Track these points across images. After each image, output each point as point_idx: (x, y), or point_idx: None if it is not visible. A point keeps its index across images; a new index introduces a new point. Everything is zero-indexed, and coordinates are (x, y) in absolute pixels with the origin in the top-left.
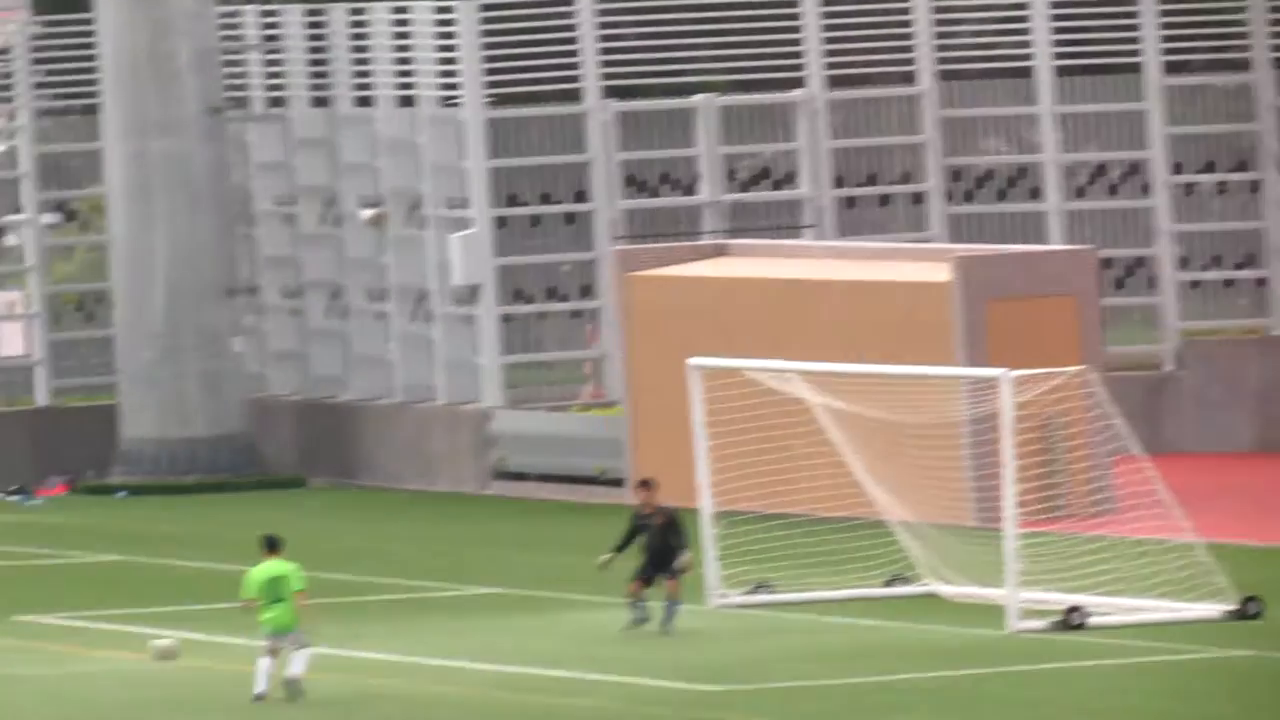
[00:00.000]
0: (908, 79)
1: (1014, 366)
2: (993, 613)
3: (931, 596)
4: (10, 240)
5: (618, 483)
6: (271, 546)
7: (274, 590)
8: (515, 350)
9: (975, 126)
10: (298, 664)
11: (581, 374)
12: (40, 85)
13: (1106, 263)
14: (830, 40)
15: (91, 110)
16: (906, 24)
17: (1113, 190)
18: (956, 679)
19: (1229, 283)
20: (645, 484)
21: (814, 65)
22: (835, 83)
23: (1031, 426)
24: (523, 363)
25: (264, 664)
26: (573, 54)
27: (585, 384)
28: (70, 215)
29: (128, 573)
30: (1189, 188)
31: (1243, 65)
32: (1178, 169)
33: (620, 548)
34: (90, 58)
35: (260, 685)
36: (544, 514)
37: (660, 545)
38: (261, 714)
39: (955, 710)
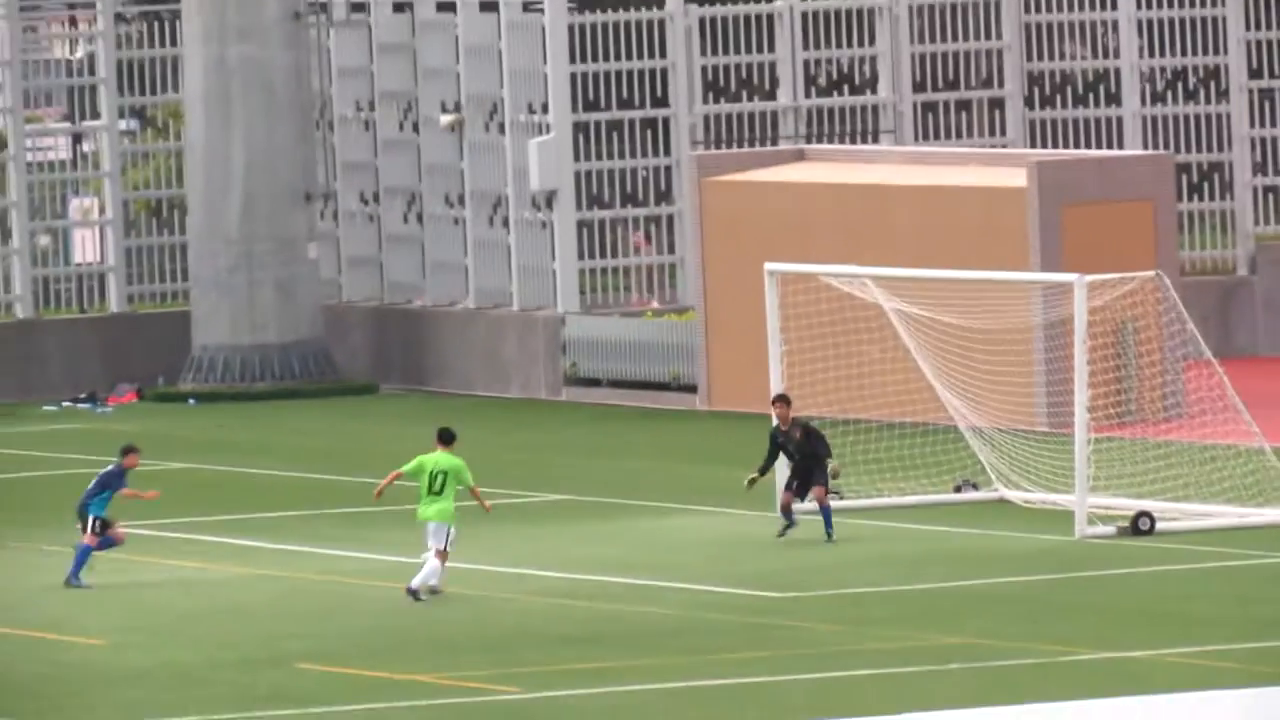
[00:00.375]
0: None
1: (1088, 271)
2: (1061, 518)
3: (1001, 502)
4: (87, 146)
5: (691, 388)
6: (444, 439)
7: (434, 482)
8: (592, 255)
9: (1054, 31)
10: (426, 575)
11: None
12: None
13: (1182, 168)
14: None
15: (172, 15)
16: None
17: (1190, 95)
18: (1025, 584)
19: None
20: (781, 399)
21: None
22: None
23: (1104, 331)
24: (600, 268)
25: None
26: None
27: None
28: (148, 121)
29: (197, 481)
30: (1266, 93)
31: None
32: (1255, 74)
33: (764, 468)
34: None
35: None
36: (617, 420)
37: (804, 456)
38: (322, 621)
39: (1024, 616)
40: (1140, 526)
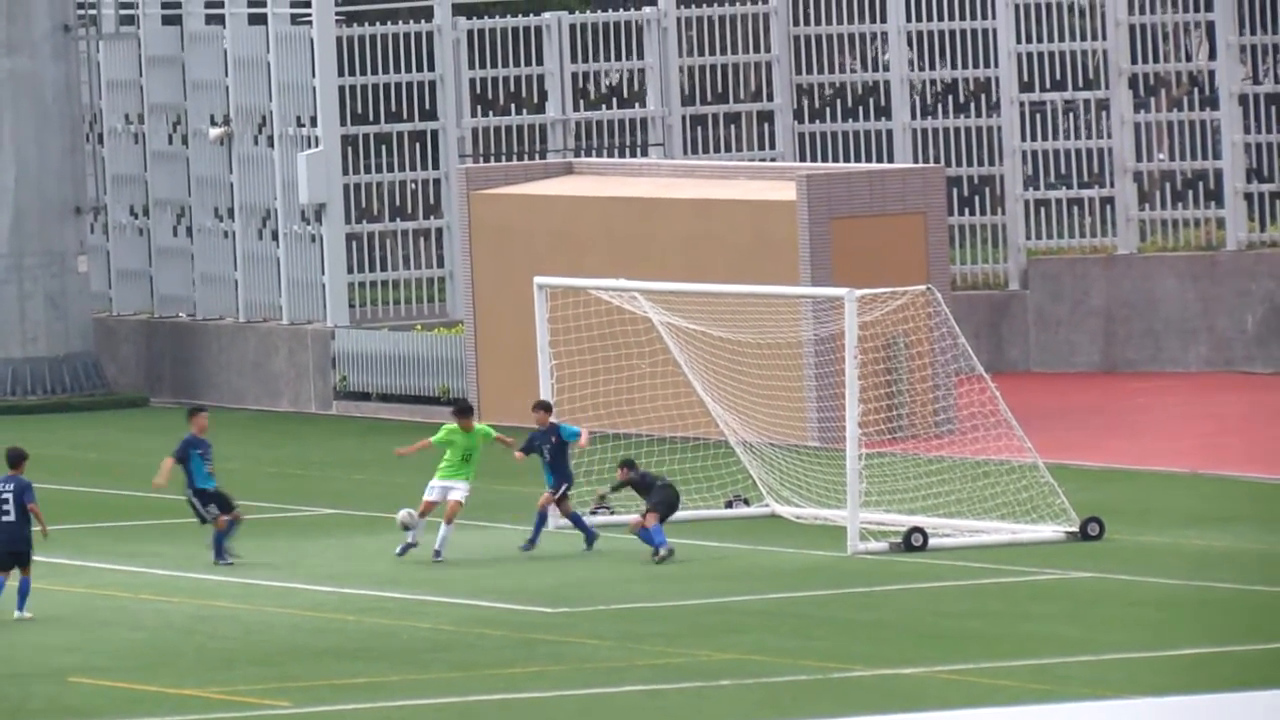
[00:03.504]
0: None
1: (859, 285)
2: (834, 534)
3: (772, 517)
4: None
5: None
6: (465, 412)
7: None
8: (360, 269)
9: (824, 44)
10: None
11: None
12: None
13: (953, 181)
14: None
15: None
16: None
17: (960, 108)
18: (795, 600)
19: (1075, 202)
20: (542, 405)
21: None
22: (684, 0)
23: (875, 346)
24: (368, 281)
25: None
26: None
27: None
28: None
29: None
30: (1037, 106)
31: None
32: (1026, 87)
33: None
34: None
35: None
36: (387, 433)
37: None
38: (93, 635)
39: (793, 632)
40: (913, 542)
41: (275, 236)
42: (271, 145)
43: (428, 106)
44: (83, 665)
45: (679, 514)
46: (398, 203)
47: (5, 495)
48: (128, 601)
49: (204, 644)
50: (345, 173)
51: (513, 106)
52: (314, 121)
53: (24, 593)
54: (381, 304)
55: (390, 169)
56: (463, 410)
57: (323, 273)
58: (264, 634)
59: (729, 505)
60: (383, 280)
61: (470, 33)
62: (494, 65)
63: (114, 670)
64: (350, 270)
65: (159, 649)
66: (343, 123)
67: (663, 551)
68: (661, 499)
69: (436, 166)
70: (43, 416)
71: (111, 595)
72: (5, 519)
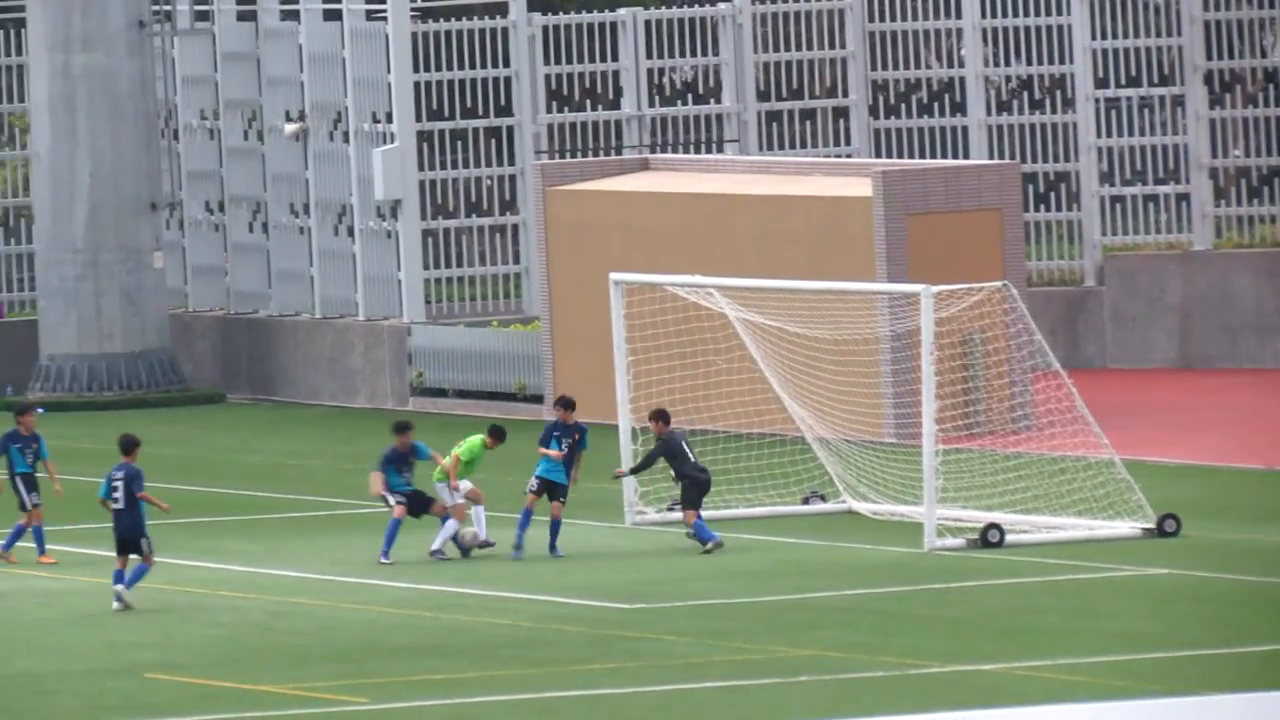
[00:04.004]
0: None
1: (935, 281)
2: (910, 530)
3: (849, 514)
4: None
5: (538, 398)
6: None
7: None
8: (437, 265)
9: (900, 40)
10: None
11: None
12: None
13: (1029, 178)
14: None
15: (16, 24)
16: None
17: (1036, 104)
18: (872, 597)
19: (1150, 198)
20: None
21: None
22: None
23: (952, 343)
24: (445, 277)
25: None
26: None
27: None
28: None
29: (46, 489)
30: (1112, 102)
31: None
32: (1101, 83)
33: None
34: None
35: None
36: (463, 429)
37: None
38: (169, 631)
39: (871, 628)
40: (989, 539)
41: (351, 232)
42: (347, 141)
43: (503, 102)
44: (160, 661)
45: (755, 510)
46: (473, 199)
47: (116, 483)
48: (205, 598)
49: (281, 640)
50: (421, 169)
51: (588, 102)
52: (389, 117)
53: (137, 574)
54: (457, 300)
55: (466, 165)
56: (496, 433)
57: (399, 269)
58: (341, 630)
59: (806, 501)
60: (458, 276)
61: (545, 28)
62: (569, 61)
63: (191, 666)
64: (426, 266)
65: (236, 645)
66: (418, 119)
67: (710, 545)
68: (691, 495)
69: (512, 162)
70: (119, 413)
71: (189, 591)
72: (116, 506)
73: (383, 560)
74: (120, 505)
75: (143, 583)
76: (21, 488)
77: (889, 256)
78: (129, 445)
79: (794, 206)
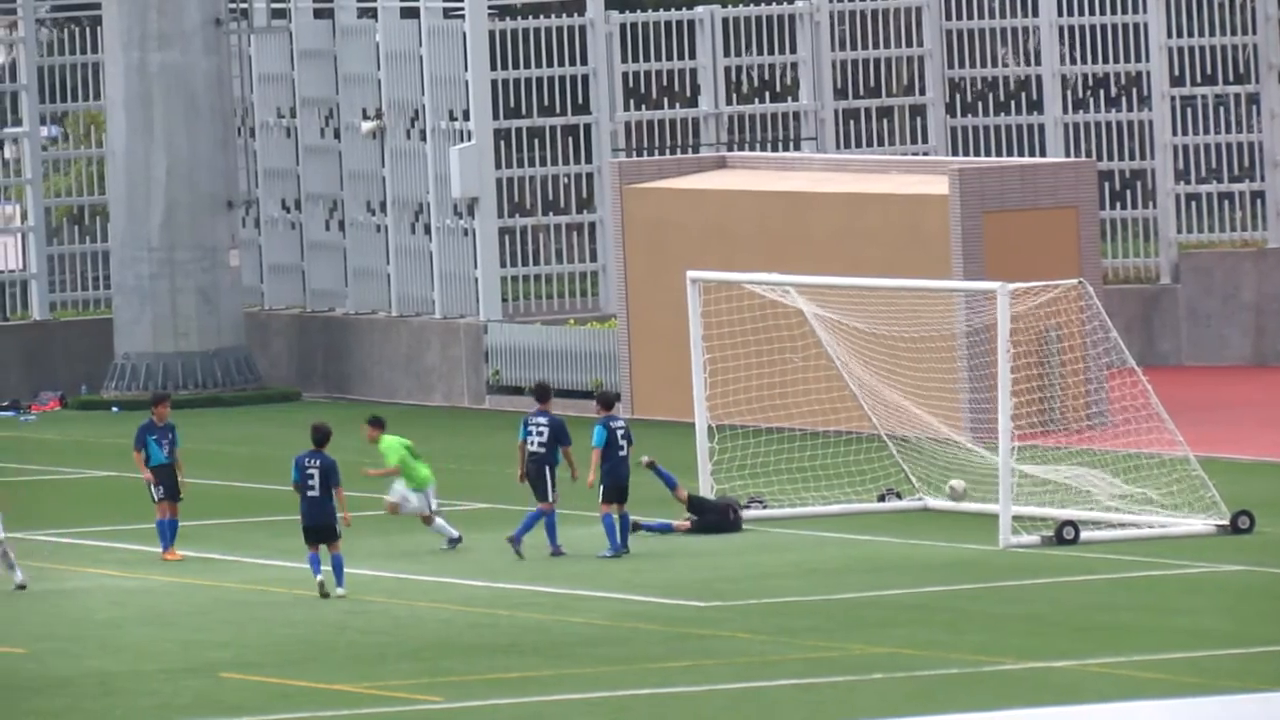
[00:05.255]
0: None
1: (1011, 279)
2: (986, 527)
3: (924, 511)
4: (8, 153)
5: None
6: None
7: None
8: (514, 263)
9: (976, 38)
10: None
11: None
12: None
13: (1104, 175)
14: None
15: (92, 22)
16: None
17: (1112, 102)
18: (947, 594)
19: (1226, 196)
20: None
21: None
22: None
23: (1027, 339)
24: (521, 275)
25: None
26: None
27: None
28: (69, 128)
29: (119, 489)
30: (1188, 100)
31: None
32: (1176, 81)
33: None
34: None
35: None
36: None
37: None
38: (244, 630)
39: (945, 626)
40: (1064, 536)
41: (428, 230)
42: (424, 139)
43: (580, 100)
44: (234, 661)
45: (830, 508)
46: (550, 197)
47: (311, 471)
48: (280, 596)
49: (355, 639)
50: (498, 167)
51: (665, 100)
52: (466, 115)
53: (338, 568)
54: (534, 298)
55: (543, 163)
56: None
57: (475, 267)
58: (416, 629)
59: (881, 499)
60: (535, 274)
61: (623, 26)
62: (646, 59)
63: (265, 666)
64: (503, 264)
65: (310, 644)
66: (495, 116)
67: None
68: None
69: (589, 160)
70: (195, 411)
71: (263, 590)
72: (310, 494)
73: (515, 548)
74: (316, 494)
75: (216, 582)
76: (160, 482)
77: (965, 254)
78: (324, 436)
79: (871, 204)
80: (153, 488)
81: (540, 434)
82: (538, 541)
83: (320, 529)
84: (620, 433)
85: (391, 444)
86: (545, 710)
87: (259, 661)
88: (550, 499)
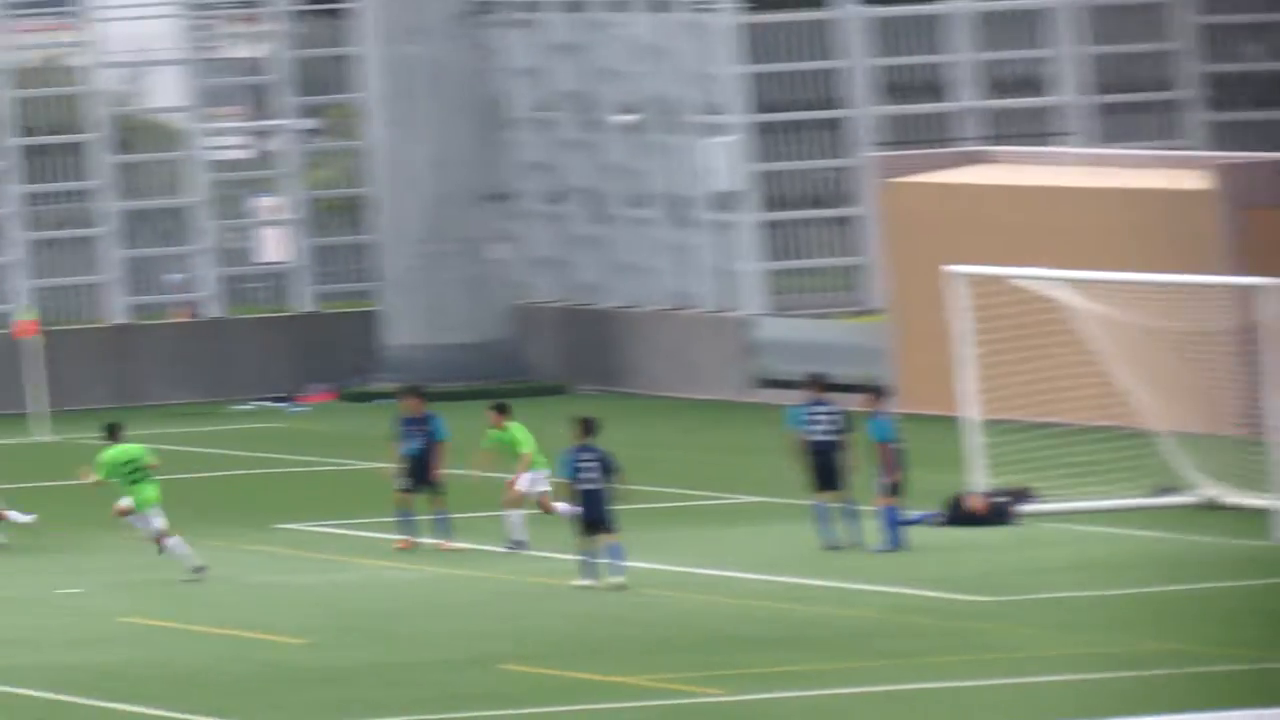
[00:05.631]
0: None
1: (1276, 274)
2: (1261, 522)
3: (1200, 506)
4: (269, 145)
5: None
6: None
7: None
8: (777, 257)
9: (1233, 33)
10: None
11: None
12: None
13: None
14: None
15: (349, 15)
16: None
17: None
18: (1226, 590)
19: None
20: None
21: None
22: None
23: None
24: (784, 270)
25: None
26: None
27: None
28: (329, 120)
29: (389, 480)
30: None
31: None
32: None
33: None
34: None
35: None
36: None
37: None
38: (524, 622)
39: (1225, 621)
40: None
41: (691, 224)
42: (682, 133)
43: (838, 94)
44: (514, 653)
45: (1106, 503)
46: (811, 191)
47: (587, 463)
48: (558, 588)
49: (635, 632)
50: (757, 160)
51: (921, 95)
52: (724, 109)
53: (616, 557)
54: (799, 291)
55: (802, 157)
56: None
57: (739, 261)
58: (695, 621)
59: (1157, 494)
60: (799, 268)
61: (876, 20)
62: (902, 53)
63: (546, 658)
64: (766, 258)
65: (590, 637)
66: (753, 110)
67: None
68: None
69: (848, 154)
70: (462, 403)
71: (543, 582)
72: (587, 486)
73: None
74: (594, 486)
75: (494, 574)
76: (409, 472)
77: (1229, 250)
78: (593, 427)
79: (1133, 200)
80: (399, 477)
81: (834, 423)
82: (793, 535)
83: (599, 520)
84: (891, 428)
85: (515, 433)
86: (825, 704)
87: (539, 654)
88: (844, 488)
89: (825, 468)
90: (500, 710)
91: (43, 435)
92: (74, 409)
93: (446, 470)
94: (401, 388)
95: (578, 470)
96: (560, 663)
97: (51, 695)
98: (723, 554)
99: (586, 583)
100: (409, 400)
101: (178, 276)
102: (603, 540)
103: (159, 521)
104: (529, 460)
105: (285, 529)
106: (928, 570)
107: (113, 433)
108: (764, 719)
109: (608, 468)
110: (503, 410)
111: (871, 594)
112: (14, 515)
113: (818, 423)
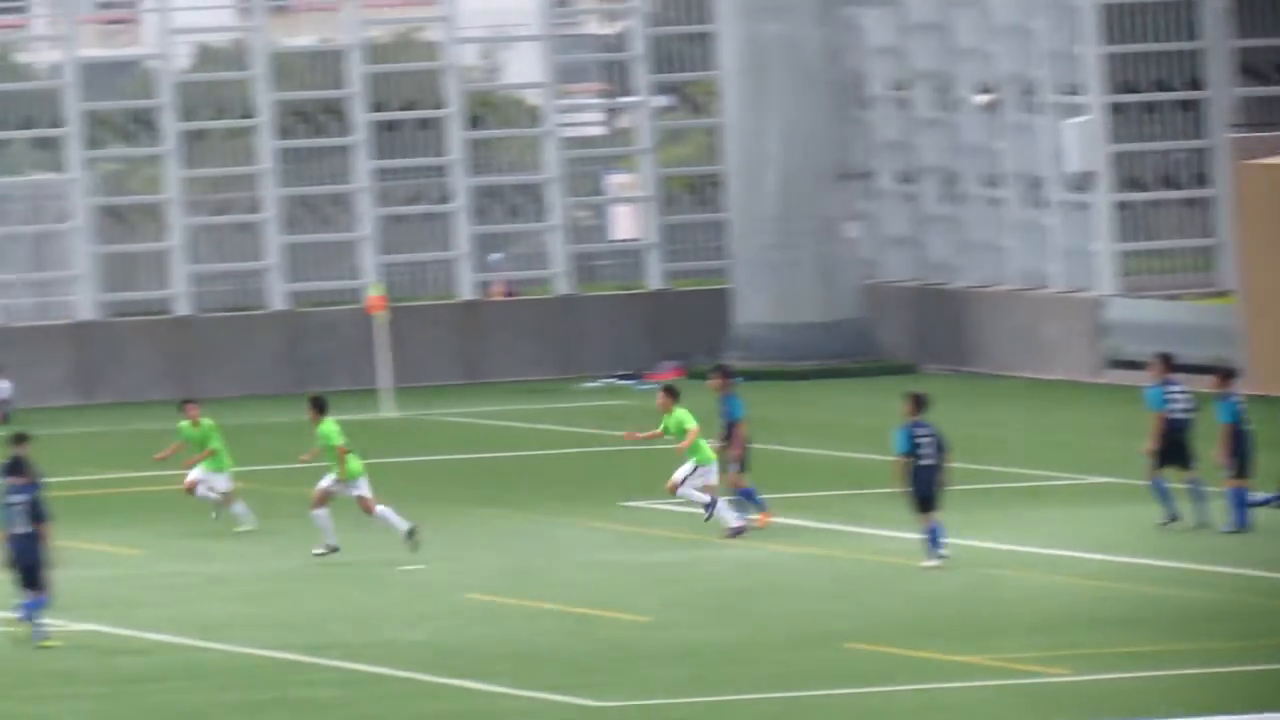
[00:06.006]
0: None
1: None
2: None
3: None
4: (623, 122)
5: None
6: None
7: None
8: (1129, 238)
9: None
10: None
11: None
12: None
13: None
14: None
15: None
16: None
17: None
18: None
19: None
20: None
21: None
22: None
23: None
24: (1137, 250)
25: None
26: None
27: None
28: (684, 98)
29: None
30: None
31: None
32: None
33: None
34: None
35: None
36: None
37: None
38: (869, 601)
39: None
40: None
41: (1044, 204)
42: (1039, 112)
43: (1194, 75)
44: (858, 631)
45: None
46: (1166, 172)
47: (925, 439)
48: (901, 568)
49: (977, 611)
50: (1112, 141)
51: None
52: (1081, 89)
53: (938, 535)
54: (1150, 272)
55: (1157, 138)
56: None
57: (1092, 241)
58: (1040, 601)
59: None
60: (1151, 249)
61: (1238, 1)
62: (1261, 35)
63: (888, 637)
64: (1119, 239)
65: (933, 616)
66: (1109, 90)
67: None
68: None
69: (1204, 136)
70: (812, 382)
71: (885, 562)
72: (923, 462)
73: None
74: (931, 462)
75: (840, 553)
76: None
77: None
78: (925, 403)
79: None
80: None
81: (1189, 402)
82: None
83: (931, 497)
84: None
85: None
86: (1174, 684)
87: (883, 633)
88: (1193, 467)
89: (1178, 445)
90: (844, 689)
91: (389, 411)
92: (421, 385)
93: (750, 447)
94: (711, 367)
95: (916, 445)
96: (902, 641)
97: (388, 671)
98: (1070, 534)
99: (934, 563)
100: (713, 379)
101: (499, 255)
102: (929, 518)
103: (363, 489)
104: (696, 435)
105: (630, 507)
106: (1273, 552)
107: (323, 407)
108: (1112, 699)
109: (941, 445)
110: (671, 393)
111: (1215, 575)
112: (239, 509)
113: (1175, 401)
